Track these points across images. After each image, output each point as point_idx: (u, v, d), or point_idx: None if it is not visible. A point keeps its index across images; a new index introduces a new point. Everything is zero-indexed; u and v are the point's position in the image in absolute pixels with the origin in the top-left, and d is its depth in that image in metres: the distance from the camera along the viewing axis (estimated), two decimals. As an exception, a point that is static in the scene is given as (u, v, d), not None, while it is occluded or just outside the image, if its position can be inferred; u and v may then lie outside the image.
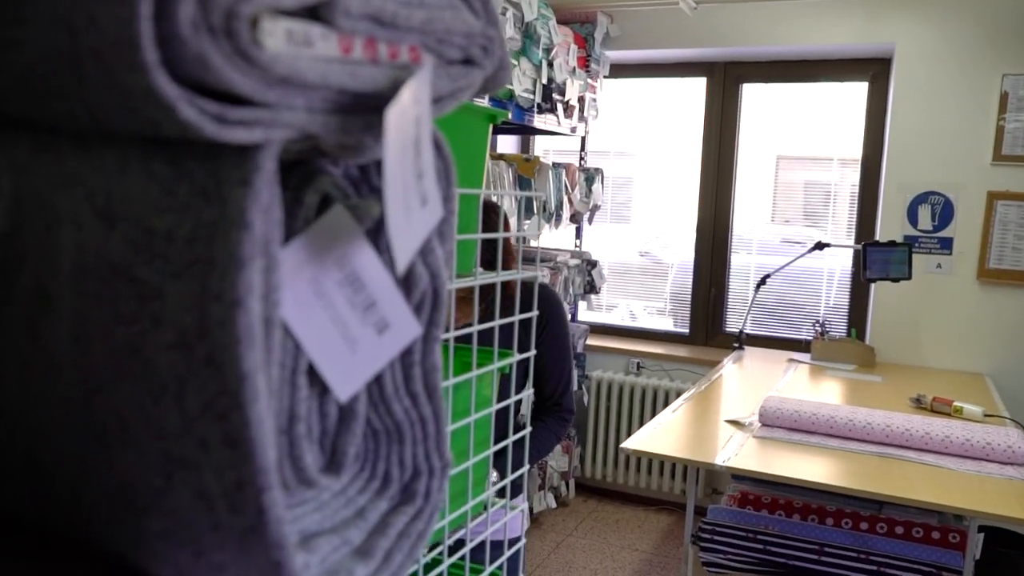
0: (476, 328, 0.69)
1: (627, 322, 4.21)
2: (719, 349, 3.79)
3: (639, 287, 4.25)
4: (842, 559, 2.03)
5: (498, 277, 0.72)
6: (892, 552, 2.04)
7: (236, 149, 0.31)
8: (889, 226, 3.34)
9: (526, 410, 0.99)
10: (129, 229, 0.34)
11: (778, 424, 2.28)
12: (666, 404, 3.66)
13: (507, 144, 4.03)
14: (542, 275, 3.11)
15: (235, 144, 0.30)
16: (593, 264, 3.62)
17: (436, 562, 0.71)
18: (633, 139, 4.21)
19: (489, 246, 1.36)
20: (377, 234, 0.40)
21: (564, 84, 3.16)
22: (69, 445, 0.37)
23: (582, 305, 3.96)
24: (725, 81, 3.79)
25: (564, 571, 3.19)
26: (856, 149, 3.61)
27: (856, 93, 3.62)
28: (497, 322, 0.73)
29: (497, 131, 3.60)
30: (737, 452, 2.06)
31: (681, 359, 3.76)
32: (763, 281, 3.36)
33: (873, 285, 3.38)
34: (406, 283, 0.41)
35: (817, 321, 3.39)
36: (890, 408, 2.44)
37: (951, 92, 3.21)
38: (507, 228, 1.71)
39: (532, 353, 0.79)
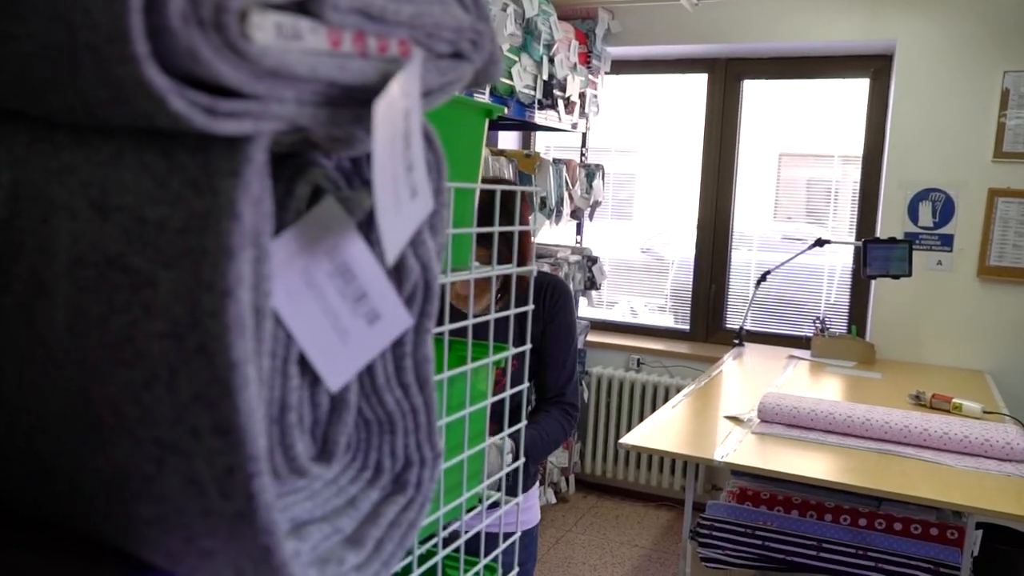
0: (471, 322, 0.70)
1: (628, 318, 4.21)
2: (719, 346, 3.80)
3: (640, 283, 4.25)
4: (840, 555, 2.04)
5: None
6: (890, 548, 2.04)
7: (227, 141, 0.31)
8: (890, 223, 3.34)
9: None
10: (123, 219, 0.34)
11: (777, 420, 2.29)
12: (666, 400, 3.66)
13: (508, 140, 4.03)
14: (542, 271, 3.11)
15: (225, 136, 0.31)
16: (594, 260, 3.63)
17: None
18: (635, 135, 4.21)
19: (509, 238, 1.37)
20: (369, 226, 0.40)
21: (565, 80, 3.16)
22: (65, 434, 0.37)
23: (583, 301, 3.97)
24: (726, 77, 3.79)
25: (564, 566, 3.20)
26: (857, 146, 3.61)
27: (857, 90, 3.61)
28: (492, 316, 0.73)
29: (498, 127, 3.60)
30: (736, 448, 2.06)
31: (681, 355, 3.76)
32: (763, 278, 3.36)
33: (873, 282, 3.38)
34: (397, 275, 0.42)
35: (817, 318, 3.40)
36: (889, 405, 2.44)
37: (952, 89, 3.21)
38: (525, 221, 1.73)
39: (528, 347, 0.79)
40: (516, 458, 1.34)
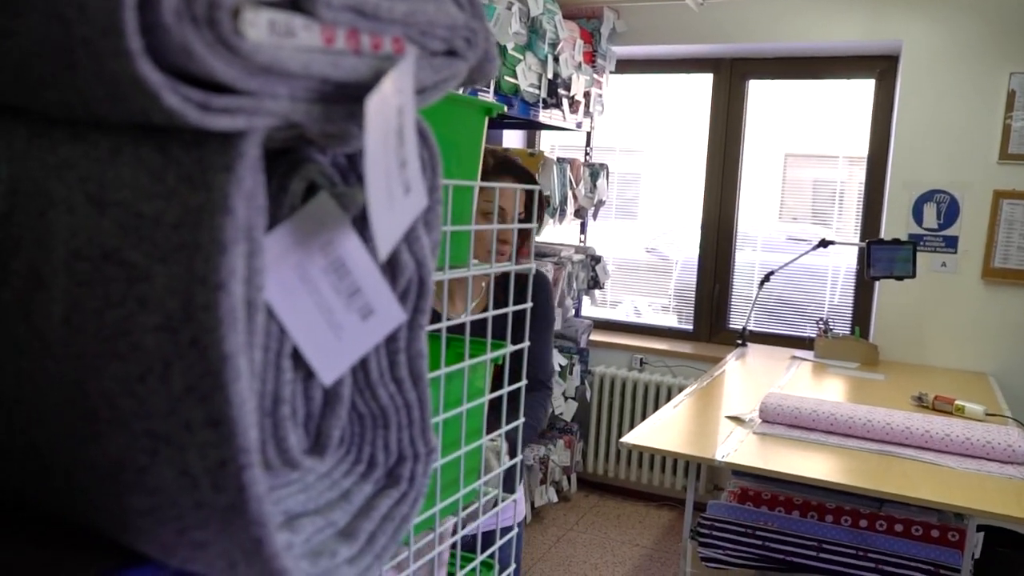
0: (469, 318, 0.70)
1: (631, 318, 4.21)
2: (722, 346, 3.79)
3: (644, 283, 4.25)
4: (841, 556, 2.03)
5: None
6: (891, 550, 2.04)
7: (221, 136, 0.32)
8: (894, 224, 3.34)
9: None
10: (119, 214, 0.35)
11: (779, 421, 2.28)
12: (668, 400, 3.67)
13: (512, 139, 4.04)
14: (545, 270, 3.12)
15: (219, 131, 0.31)
16: (597, 259, 3.63)
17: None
18: (639, 135, 4.21)
19: (527, 235, 1.39)
20: (364, 222, 0.41)
21: (570, 79, 3.16)
22: (61, 426, 0.38)
23: (586, 300, 3.97)
24: (731, 77, 3.79)
25: (564, 565, 3.20)
26: (863, 147, 3.60)
27: (863, 90, 3.61)
28: (491, 313, 0.73)
29: (502, 126, 3.61)
30: (737, 448, 2.06)
31: (684, 355, 3.76)
32: (767, 278, 3.36)
33: (877, 283, 3.38)
34: (392, 271, 0.42)
35: (821, 319, 3.39)
36: (892, 406, 2.44)
37: (958, 90, 3.20)
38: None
39: (526, 344, 0.80)
40: (512, 455, 1.35)
